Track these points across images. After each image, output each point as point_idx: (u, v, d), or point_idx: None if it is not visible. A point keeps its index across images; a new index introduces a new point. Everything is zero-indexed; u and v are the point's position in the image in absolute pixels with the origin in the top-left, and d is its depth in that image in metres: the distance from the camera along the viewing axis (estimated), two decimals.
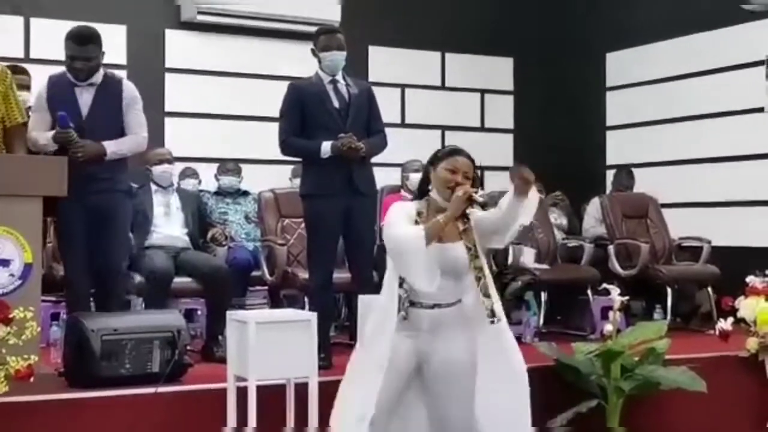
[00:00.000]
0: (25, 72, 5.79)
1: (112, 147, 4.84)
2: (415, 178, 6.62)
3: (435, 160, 3.71)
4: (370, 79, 6.73)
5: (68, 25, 6.61)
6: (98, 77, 4.93)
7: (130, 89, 5.05)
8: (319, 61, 5.26)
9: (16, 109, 4.79)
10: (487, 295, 3.60)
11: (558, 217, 7.76)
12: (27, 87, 5.72)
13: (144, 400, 4.21)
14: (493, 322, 3.62)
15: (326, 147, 5.06)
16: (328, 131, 5.10)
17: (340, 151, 5.04)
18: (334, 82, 5.23)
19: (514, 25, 9.39)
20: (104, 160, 4.82)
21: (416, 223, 3.58)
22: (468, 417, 3.60)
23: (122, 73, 7.86)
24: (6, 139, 4.77)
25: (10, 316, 3.90)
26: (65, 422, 4.07)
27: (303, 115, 5.16)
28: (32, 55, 7.44)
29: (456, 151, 3.71)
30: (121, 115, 4.96)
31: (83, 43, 4.85)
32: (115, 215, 4.93)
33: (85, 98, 4.91)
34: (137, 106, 5.05)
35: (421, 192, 3.78)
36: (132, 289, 5.59)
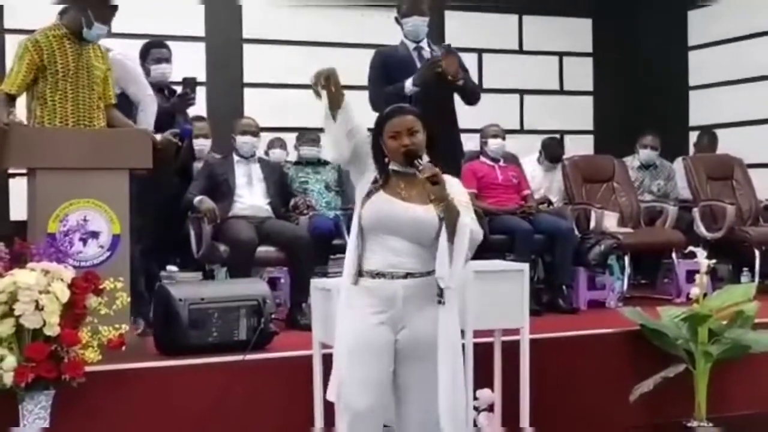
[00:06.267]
0: (164, 46, 5.89)
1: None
2: (494, 144, 6.60)
3: (379, 131, 3.37)
4: None
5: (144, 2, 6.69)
6: None
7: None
8: (402, 28, 5.29)
9: (111, 89, 4.90)
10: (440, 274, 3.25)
11: (652, 180, 7.60)
12: (167, 60, 5.81)
13: (232, 368, 4.28)
14: (440, 302, 3.27)
15: (408, 81, 5.02)
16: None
17: (425, 77, 4.99)
18: (419, 48, 5.25)
19: None
20: None
21: (373, 186, 3.30)
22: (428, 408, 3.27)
23: (201, 45, 8.00)
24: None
25: (101, 286, 3.98)
26: (157, 389, 4.17)
27: (390, 82, 5.16)
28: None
29: (391, 114, 3.40)
30: None
31: None
32: None
33: None
34: None
35: (381, 166, 3.38)
36: (216, 259, 5.67)
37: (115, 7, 4.75)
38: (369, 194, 3.30)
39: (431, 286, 3.28)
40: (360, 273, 3.29)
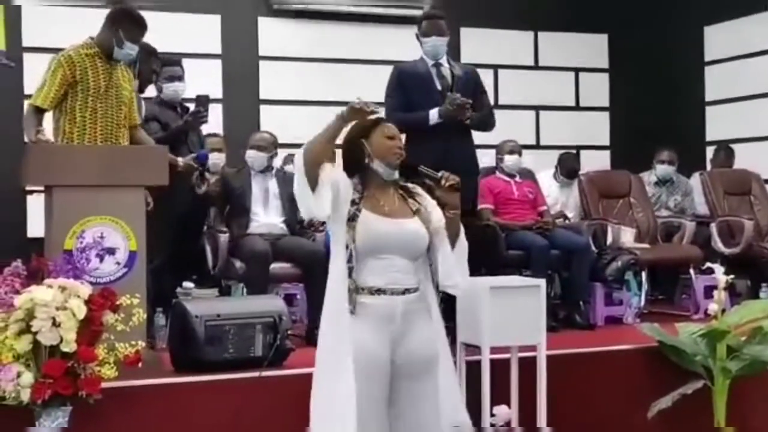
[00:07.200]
0: (177, 63, 5.92)
1: None
2: (510, 159, 6.58)
3: (364, 132, 3.36)
4: (463, 61, 6.68)
5: (166, 17, 6.73)
6: None
7: None
8: (421, 46, 5.36)
9: (137, 110, 4.97)
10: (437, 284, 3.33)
11: (669, 196, 7.56)
12: (179, 78, 5.85)
13: (248, 384, 4.27)
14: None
15: (434, 113, 5.12)
16: None
17: (448, 112, 5.09)
18: (437, 65, 5.33)
19: (608, 0, 9.23)
20: None
21: (356, 195, 3.28)
22: (437, 419, 3.30)
23: (217, 63, 8.04)
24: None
25: (118, 303, 3.99)
26: (173, 406, 4.16)
27: (407, 97, 5.21)
28: None
29: (383, 118, 3.45)
30: None
31: None
32: None
33: None
34: None
35: (351, 171, 3.36)
36: (232, 275, 5.67)
37: (145, 27, 4.80)
38: (354, 217, 3.25)
39: (422, 301, 3.32)
40: (356, 290, 3.24)
